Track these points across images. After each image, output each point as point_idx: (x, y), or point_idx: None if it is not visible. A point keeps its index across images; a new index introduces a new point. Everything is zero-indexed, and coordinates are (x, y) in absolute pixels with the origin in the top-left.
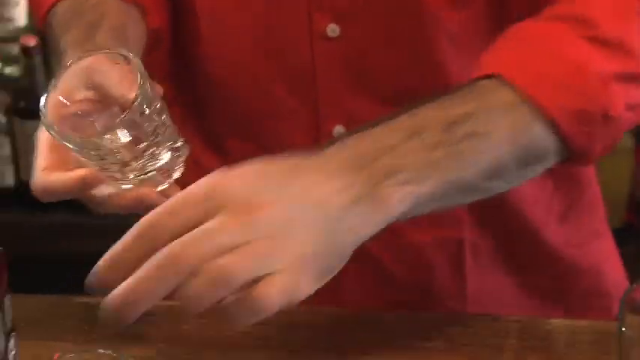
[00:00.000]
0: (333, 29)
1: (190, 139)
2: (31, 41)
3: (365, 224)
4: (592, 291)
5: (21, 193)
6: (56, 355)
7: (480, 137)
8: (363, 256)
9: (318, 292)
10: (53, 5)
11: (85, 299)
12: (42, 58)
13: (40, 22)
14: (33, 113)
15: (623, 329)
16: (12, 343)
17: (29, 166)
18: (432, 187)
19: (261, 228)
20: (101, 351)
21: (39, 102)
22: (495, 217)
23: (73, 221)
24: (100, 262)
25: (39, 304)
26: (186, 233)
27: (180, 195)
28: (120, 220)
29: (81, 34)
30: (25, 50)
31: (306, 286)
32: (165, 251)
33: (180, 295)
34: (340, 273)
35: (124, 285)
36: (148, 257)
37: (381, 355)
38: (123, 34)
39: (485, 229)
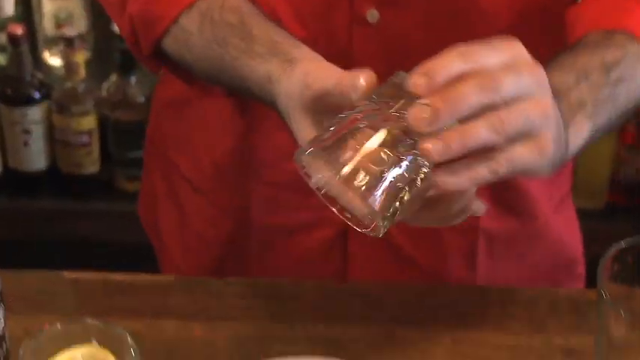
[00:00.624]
0: (372, 14)
1: None
2: (18, 30)
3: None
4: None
5: (8, 179)
6: (45, 325)
7: (628, 81)
8: (381, 241)
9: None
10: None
11: (74, 275)
12: (29, 46)
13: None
14: (20, 101)
15: (602, 295)
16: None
17: (16, 152)
18: (602, 122)
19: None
20: (89, 321)
21: (26, 89)
22: (508, 205)
23: (59, 207)
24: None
25: (29, 280)
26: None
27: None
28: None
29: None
30: (13, 39)
31: (551, 153)
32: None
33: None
34: (353, 257)
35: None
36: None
37: (368, 324)
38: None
39: (499, 218)
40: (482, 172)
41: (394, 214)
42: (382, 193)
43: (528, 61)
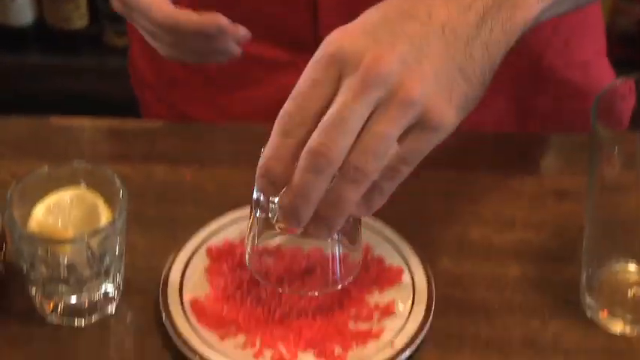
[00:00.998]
0: None
1: None
2: None
3: (500, 37)
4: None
5: None
6: (33, 169)
7: None
8: None
9: None
10: None
11: (62, 121)
12: None
13: None
14: None
15: (595, 133)
16: None
17: (2, 6)
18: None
19: (387, 78)
20: (78, 163)
21: None
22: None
23: (47, 62)
24: (261, 169)
25: (16, 125)
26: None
27: (304, 77)
28: (91, 60)
29: None
30: None
31: (452, 118)
32: (312, 149)
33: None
34: None
35: (289, 189)
36: (301, 147)
37: None
38: None
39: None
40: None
41: None
42: None
43: (354, 52)
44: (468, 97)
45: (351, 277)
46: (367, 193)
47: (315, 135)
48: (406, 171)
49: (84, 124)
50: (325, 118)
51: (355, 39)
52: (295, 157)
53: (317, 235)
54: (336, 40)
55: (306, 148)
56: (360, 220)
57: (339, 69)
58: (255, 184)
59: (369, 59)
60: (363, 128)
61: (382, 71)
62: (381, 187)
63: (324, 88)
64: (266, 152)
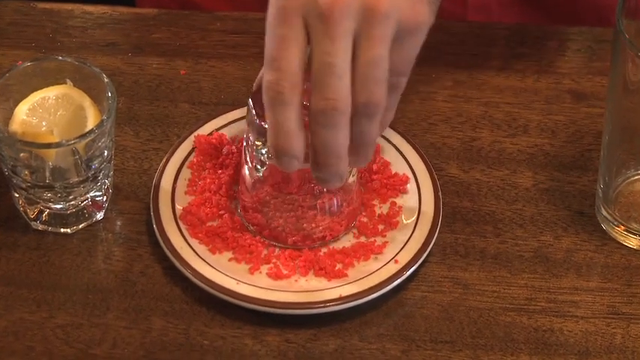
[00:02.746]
0: None
1: None
2: None
3: None
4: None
5: None
6: (18, 63)
7: None
8: None
9: None
10: None
11: (48, 5)
12: None
13: None
14: None
15: (620, 32)
16: None
17: None
18: None
19: (350, 5)
20: (61, 58)
21: None
22: None
23: None
24: (277, 151)
25: (1, 10)
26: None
27: (271, 37)
28: None
29: None
30: None
31: (426, 14)
32: (320, 109)
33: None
34: None
35: (315, 155)
36: (301, 109)
37: None
38: None
39: None
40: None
41: None
42: None
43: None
44: None
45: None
46: None
47: (314, 94)
48: (404, 81)
49: (71, 10)
50: (314, 72)
51: None
52: (300, 121)
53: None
54: None
55: (312, 111)
56: None
57: (300, 15)
58: (275, 162)
59: None
60: (353, 62)
61: (342, 4)
62: (387, 105)
63: (296, 42)
64: (271, 132)
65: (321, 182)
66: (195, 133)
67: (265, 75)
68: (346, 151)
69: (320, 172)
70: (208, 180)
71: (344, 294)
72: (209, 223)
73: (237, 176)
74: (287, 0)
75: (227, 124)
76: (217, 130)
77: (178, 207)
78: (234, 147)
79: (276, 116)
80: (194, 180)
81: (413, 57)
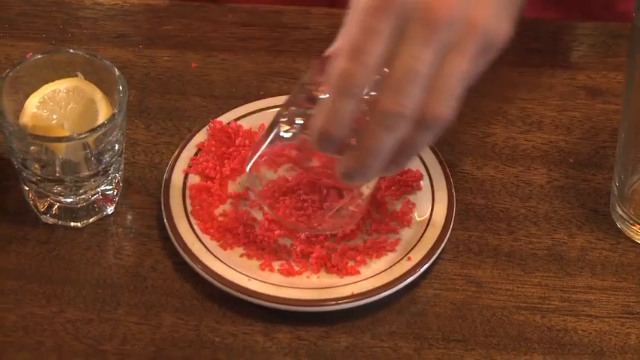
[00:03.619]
0: None
1: None
2: None
3: None
4: None
5: None
6: (29, 55)
7: None
8: None
9: None
10: None
11: None
12: None
13: None
14: None
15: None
16: None
17: None
18: None
19: (452, 19)
20: (72, 51)
21: None
22: None
23: None
24: (321, 134)
25: (10, 1)
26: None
27: (359, 26)
28: None
29: None
30: None
31: (509, 33)
32: (388, 110)
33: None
34: None
35: (358, 150)
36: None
37: None
38: None
39: None
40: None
41: None
42: None
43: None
44: (515, 4)
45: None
46: None
47: (387, 94)
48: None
49: (83, 1)
50: (395, 73)
51: None
52: (355, 113)
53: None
54: None
55: (378, 109)
56: None
57: (399, 14)
58: (312, 139)
59: (429, 2)
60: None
61: (446, 13)
62: None
63: (386, 40)
64: (324, 115)
65: (345, 176)
66: (207, 127)
67: (343, 61)
68: (387, 155)
69: (352, 166)
70: (217, 167)
71: (356, 291)
72: (216, 211)
73: (243, 169)
74: None
75: (239, 118)
76: (228, 124)
77: (189, 202)
78: (247, 140)
79: (337, 104)
80: (202, 163)
81: (482, 71)
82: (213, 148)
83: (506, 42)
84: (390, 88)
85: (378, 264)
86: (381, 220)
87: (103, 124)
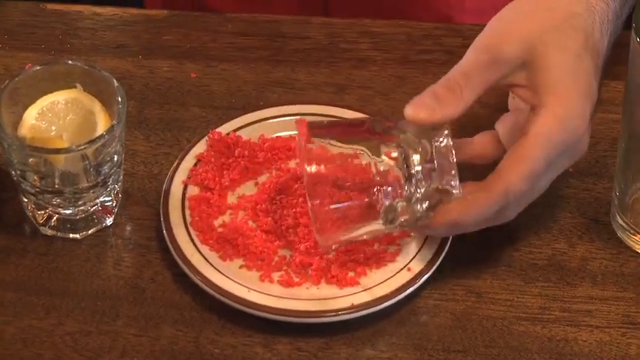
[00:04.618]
0: None
1: None
2: None
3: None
4: None
5: None
6: (27, 66)
7: None
8: None
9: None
10: None
11: (58, 7)
12: None
13: None
14: None
15: (637, 38)
16: None
17: None
18: None
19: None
20: (71, 62)
21: None
22: None
23: None
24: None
25: (10, 12)
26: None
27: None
28: None
29: None
30: None
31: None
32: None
33: None
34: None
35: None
36: None
37: (378, 67)
38: None
39: None
40: None
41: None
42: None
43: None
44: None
45: None
46: None
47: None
48: None
49: (81, 11)
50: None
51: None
52: None
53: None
54: None
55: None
56: None
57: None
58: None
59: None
60: None
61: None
62: None
63: None
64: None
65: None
66: (206, 138)
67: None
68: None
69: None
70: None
71: (356, 302)
72: (215, 222)
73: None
74: None
75: (238, 129)
76: (227, 134)
77: (188, 213)
78: (246, 151)
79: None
80: (202, 174)
81: None
82: (213, 159)
83: None
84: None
85: (377, 275)
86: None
87: (101, 136)
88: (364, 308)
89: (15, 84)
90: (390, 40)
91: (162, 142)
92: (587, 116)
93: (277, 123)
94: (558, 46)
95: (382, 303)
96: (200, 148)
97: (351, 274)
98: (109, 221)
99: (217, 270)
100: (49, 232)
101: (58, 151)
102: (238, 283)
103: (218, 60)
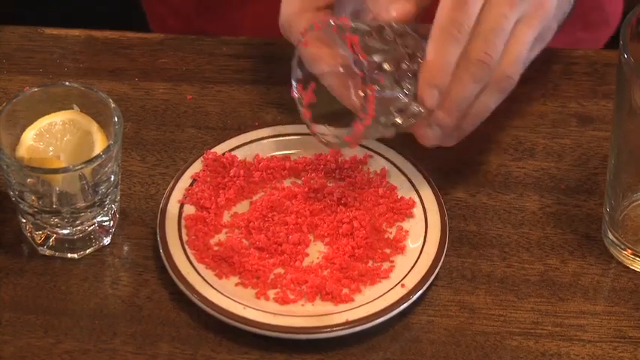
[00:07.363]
0: None
1: None
2: None
3: None
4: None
5: None
6: (25, 89)
7: None
8: None
9: None
10: None
11: (55, 31)
12: None
13: None
14: None
15: (625, 56)
16: None
17: None
18: None
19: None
20: (68, 84)
21: None
22: None
23: None
24: (430, 79)
25: (8, 36)
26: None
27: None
28: None
29: None
30: None
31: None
32: (480, 60)
33: None
34: None
35: (452, 105)
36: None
37: None
38: None
39: None
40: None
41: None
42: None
43: None
44: (562, 12)
45: None
46: None
47: (477, 44)
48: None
49: (79, 35)
50: (487, 27)
51: None
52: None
53: (446, 144)
54: None
55: (474, 58)
56: None
57: None
58: (421, 91)
59: None
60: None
61: None
62: None
63: None
64: (436, 60)
65: (425, 135)
66: (202, 158)
67: (451, 10)
68: (466, 110)
69: (438, 121)
70: (212, 198)
71: (350, 318)
72: (211, 241)
73: (239, 199)
74: None
75: (234, 149)
76: (223, 154)
77: (184, 232)
78: (241, 170)
79: (448, 48)
80: (198, 194)
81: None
82: (209, 179)
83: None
84: (480, 38)
85: (372, 291)
86: (375, 248)
87: (98, 156)
88: (359, 324)
89: (13, 106)
90: None
91: (159, 162)
92: None
93: (272, 143)
94: None
95: (376, 319)
96: (196, 168)
97: (345, 290)
98: (107, 241)
99: (213, 288)
100: (47, 252)
101: (55, 170)
102: (234, 301)
103: (214, 82)
